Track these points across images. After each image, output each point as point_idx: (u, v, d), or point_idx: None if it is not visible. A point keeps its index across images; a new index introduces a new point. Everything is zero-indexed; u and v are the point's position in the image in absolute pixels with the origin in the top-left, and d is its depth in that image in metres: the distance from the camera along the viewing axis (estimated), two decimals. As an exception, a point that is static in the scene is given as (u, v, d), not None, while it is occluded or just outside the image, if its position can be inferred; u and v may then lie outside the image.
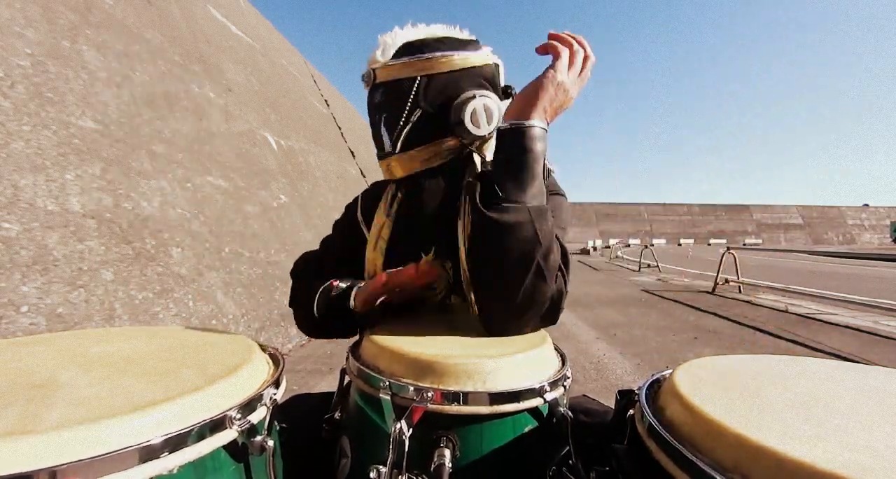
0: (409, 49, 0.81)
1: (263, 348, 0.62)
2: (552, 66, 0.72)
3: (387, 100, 0.82)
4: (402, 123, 0.81)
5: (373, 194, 0.96)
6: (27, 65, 2.63)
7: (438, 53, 0.80)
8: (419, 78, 0.80)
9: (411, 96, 0.80)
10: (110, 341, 0.59)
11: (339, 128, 10.43)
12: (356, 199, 0.99)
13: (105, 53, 3.37)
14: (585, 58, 0.74)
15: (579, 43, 0.73)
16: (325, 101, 10.75)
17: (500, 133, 0.74)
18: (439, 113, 0.81)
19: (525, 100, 0.72)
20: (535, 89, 0.71)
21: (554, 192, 0.85)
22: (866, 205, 65.56)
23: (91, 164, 2.69)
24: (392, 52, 0.81)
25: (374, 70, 0.82)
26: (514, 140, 0.70)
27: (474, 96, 0.79)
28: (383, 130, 0.84)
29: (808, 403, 0.43)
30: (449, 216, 0.82)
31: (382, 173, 0.89)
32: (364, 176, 9.99)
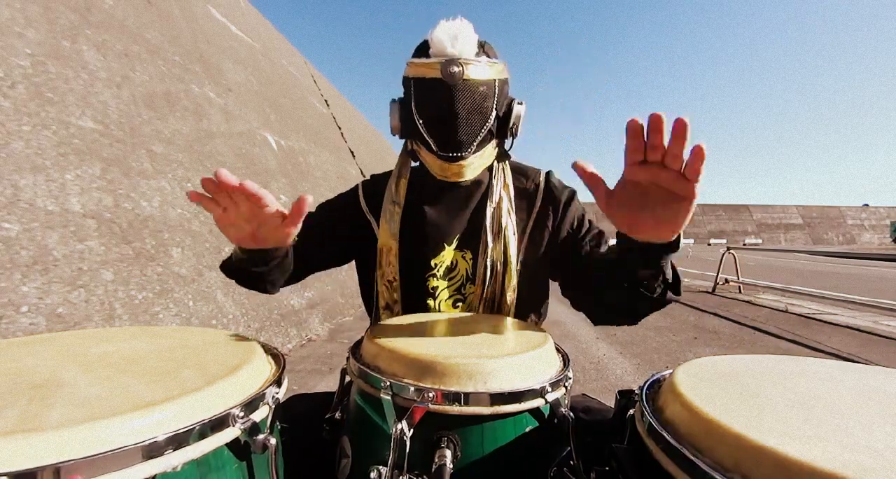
0: (486, 51, 0.83)
1: (264, 347, 0.62)
2: (694, 188, 0.53)
3: (475, 99, 0.80)
4: (484, 125, 0.83)
5: (374, 187, 0.96)
6: (27, 65, 2.63)
7: (503, 63, 0.85)
8: (497, 82, 0.82)
9: (494, 99, 0.83)
10: (110, 341, 0.59)
11: (339, 128, 10.43)
12: (356, 187, 0.99)
13: (105, 53, 3.37)
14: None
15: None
16: (325, 101, 10.75)
17: (641, 246, 0.64)
18: (504, 116, 0.86)
19: (674, 227, 0.60)
20: (684, 218, 0.58)
21: (571, 196, 0.94)
22: (866, 205, 65.56)
23: (91, 164, 2.69)
24: (473, 50, 0.80)
25: (465, 66, 0.77)
26: (662, 256, 0.66)
27: (522, 103, 0.88)
28: (466, 129, 0.82)
29: (808, 403, 0.43)
30: (473, 210, 0.90)
31: (441, 175, 0.88)
32: (364, 176, 9.99)
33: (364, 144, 12.39)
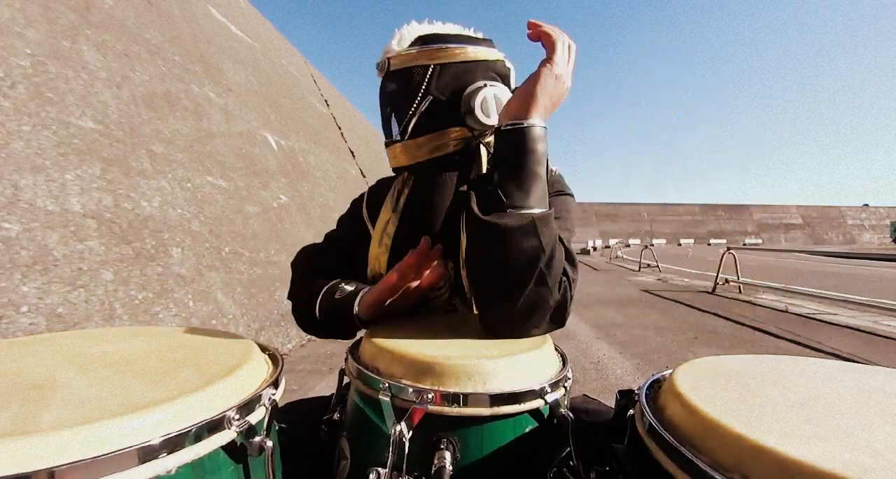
0: (423, 40, 0.82)
1: (263, 348, 0.62)
2: (549, 60, 0.68)
3: (399, 87, 0.82)
4: (412, 110, 0.81)
5: (379, 191, 0.96)
6: (27, 65, 2.63)
7: (452, 44, 0.81)
8: (432, 66, 0.80)
9: (424, 84, 0.80)
10: (110, 341, 0.59)
11: (339, 128, 10.43)
12: (362, 194, 0.99)
13: (105, 53, 3.37)
14: (569, 46, 0.71)
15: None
16: (325, 101, 10.75)
17: (500, 133, 0.69)
18: (450, 101, 0.81)
19: (524, 97, 0.67)
20: (533, 85, 0.67)
21: (560, 191, 0.85)
22: (866, 205, 65.55)
23: (91, 164, 2.70)
24: (408, 42, 0.82)
25: (388, 59, 0.82)
26: (516, 141, 0.66)
27: (485, 85, 0.80)
28: (393, 117, 0.83)
29: (808, 403, 0.42)
30: (452, 214, 0.83)
31: (389, 162, 0.88)
32: (364, 176, 9.99)
33: (364, 144, 12.39)
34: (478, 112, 0.79)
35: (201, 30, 5.55)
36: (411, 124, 0.81)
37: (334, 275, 0.86)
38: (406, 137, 0.82)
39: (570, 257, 0.70)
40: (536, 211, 0.64)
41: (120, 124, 3.12)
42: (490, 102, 0.80)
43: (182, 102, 4.10)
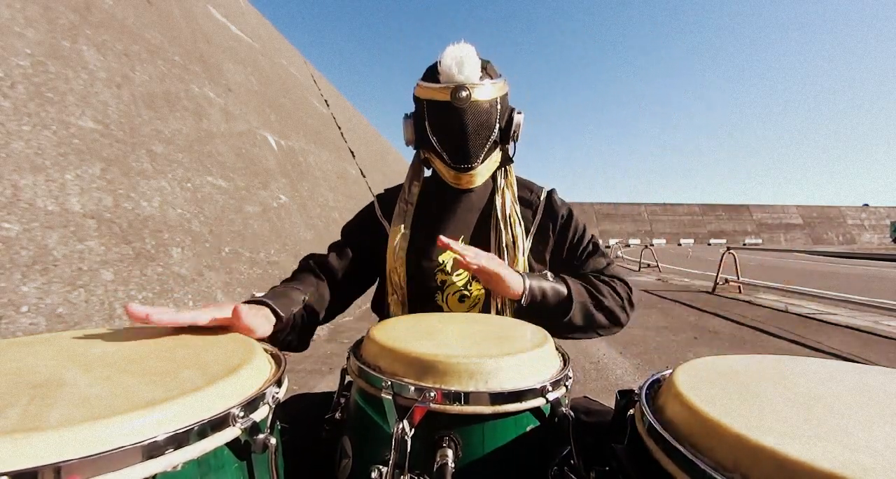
0: (488, 72, 0.93)
1: (265, 348, 0.62)
2: (471, 268, 0.84)
3: (481, 117, 0.91)
4: (490, 138, 0.93)
5: (388, 198, 1.06)
6: (27, 65, 2.63)
7: (503, 79, 0.96)
8: (498, 99, 0.93)
9: (497, 115, 0.93)
10: (111, 340, 0.59)
11: (339, 128, 10.42)
12: (372, 202, 1.08)
13: (105, 53, 3.37)
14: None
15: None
16: (325, 101, 10.74)
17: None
18: (506, 127, 0.96)
19: (500, 291, 0.87)
20: (493, 286, 0.85)
21: (571, 212, 1.04)
22: (866, 205, 65.49)
23: (91, 164, 2.69)
24: (472, 69, 0.89)
25: (471, 89, 0.89)
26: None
27: (521, 112, 0.98)
28: (475, 143, 0.92)
29: (808, 403, 0.43)
30: (481, 212, 1.00)
31: (454, 183, 0.99)
32: (364, 176, 9.99)
33: (364, 144, 12.39)
34: (519, 133, 0.98)
35: (201, 30, 5.54)
36: (486, 150, 0.94)
37: (334, 275, 0.97)
38: (481, 162, 0.95)
39: (617, 276, 0.97)
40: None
41: (120, 124, 3.12)
42: (522, 125, 0.99)
43: (182, 101, 4.10)
